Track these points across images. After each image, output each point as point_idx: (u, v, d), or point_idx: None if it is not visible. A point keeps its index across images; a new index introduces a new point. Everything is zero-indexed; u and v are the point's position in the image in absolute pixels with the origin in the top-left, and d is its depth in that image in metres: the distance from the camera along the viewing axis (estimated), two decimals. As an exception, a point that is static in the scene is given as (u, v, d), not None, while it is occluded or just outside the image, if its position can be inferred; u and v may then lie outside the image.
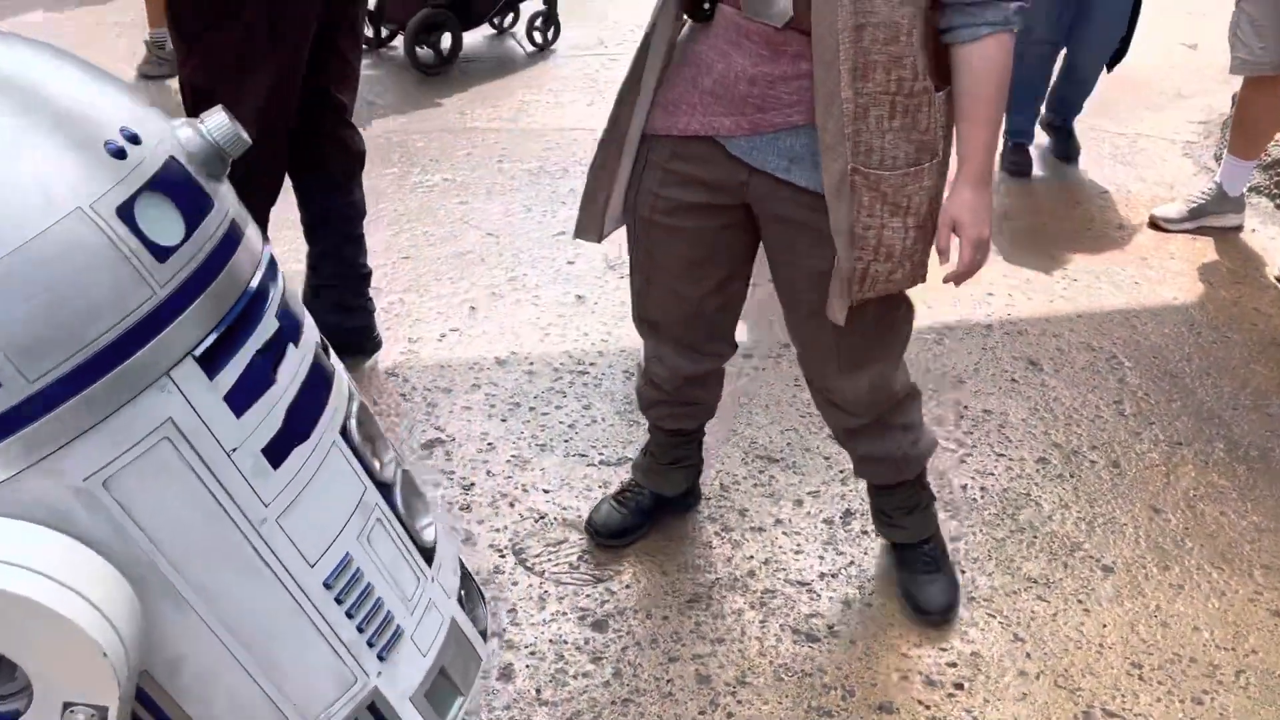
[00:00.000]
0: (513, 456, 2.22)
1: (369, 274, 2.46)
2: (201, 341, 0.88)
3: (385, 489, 1.09)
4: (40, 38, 0.93)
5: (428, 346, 2.58)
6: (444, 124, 3.76)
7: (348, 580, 1.02)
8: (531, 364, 2.52)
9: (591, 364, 2.51)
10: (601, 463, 2.21)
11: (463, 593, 1.19)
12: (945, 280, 1.53)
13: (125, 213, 0.83)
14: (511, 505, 2.09)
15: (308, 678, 0.99)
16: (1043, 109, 3.54)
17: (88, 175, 0.82)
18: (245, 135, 0.96)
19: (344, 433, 1.04)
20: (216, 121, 0.93)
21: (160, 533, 0.88)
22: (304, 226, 2.36)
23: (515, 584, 1.91)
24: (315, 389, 1.01)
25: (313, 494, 0.99)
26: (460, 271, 2.88)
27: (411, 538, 1.11)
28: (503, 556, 1.96)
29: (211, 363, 0.90)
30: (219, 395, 0.90)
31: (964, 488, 2.18)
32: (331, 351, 1.11)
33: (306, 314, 1.07)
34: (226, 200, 0.95)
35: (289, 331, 0.99)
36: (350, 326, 2.46)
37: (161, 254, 0.85)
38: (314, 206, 2.32)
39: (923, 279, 1.54)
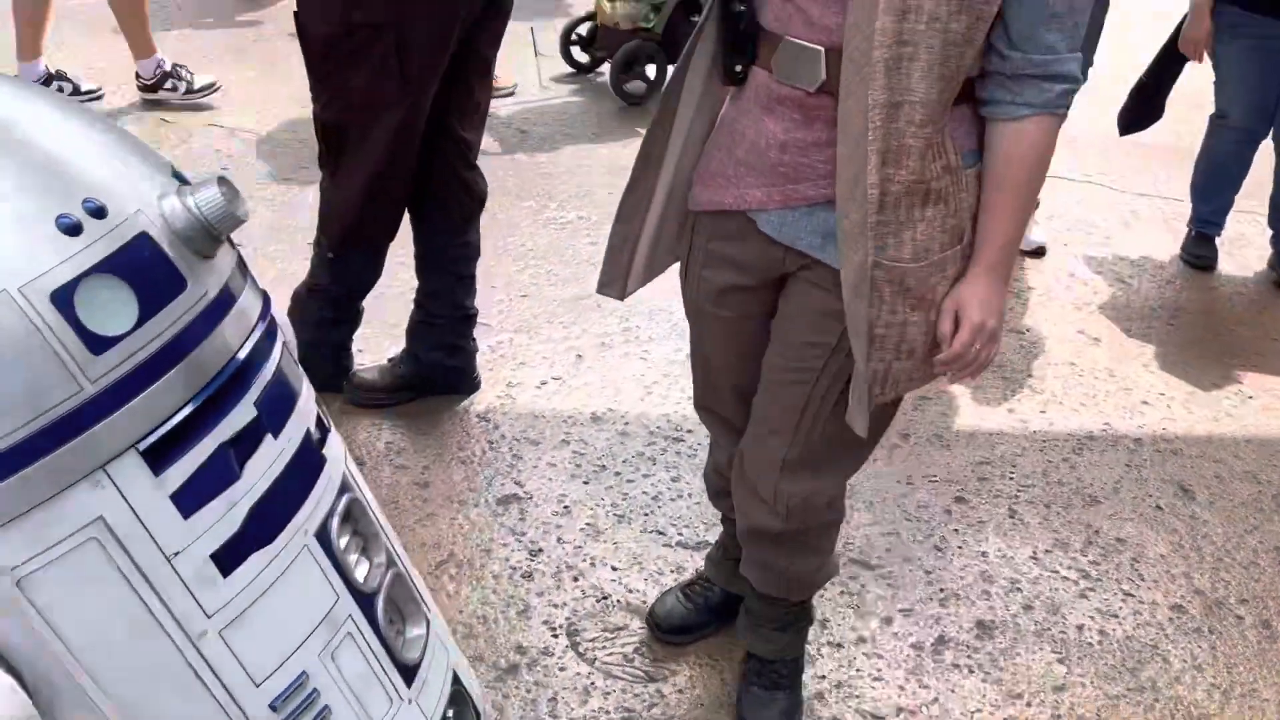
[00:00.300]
0: (588, 524, 2.11)
1: (474, 315, 2.42)
2: (149, 434, 0.81)
3: (364, 599, 0.99)
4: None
5: (525, 393, 2.50)
6: (596, 160, 3.71)
7: (300, 702, 0.92)
8: (627, 424, 2.40)
9: (689, 431, 2.38)
10: (679, 544, 2.07)
11: (449, 714, 1.08)
12: (937, 371, 1.36)
13: (62, 298, 0.76)
14: (575, 579, 1.97)
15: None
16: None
17: (28, 253, 0.75)
18: (240, 211, 0.88)
19: (322, 534, 0.95)
20: (207, 196, 0.86)
21: (79, 641, 0.80)
22: (416, 260, 2.33)
23: (562, 669, 1.79)
24: (292, 485, 0.92)
25: (269, 604, 0.89)
26: (575, 316, 2.80)
27: (390, 653, 1.01)
28: (555, 636, 1.85)
29: (159, 457, 0.82)
30: (164, 493, 0.82)
31: (1080, 628, 1.93)
32: (332, 434, 1.02)
33: (304, 388, 0.99)
34: (209, 277, 0.87)
35: (270, 420, 0.91)
36: (450, 365, 2.41)
37: (99, 345, 0.77)
38: (429, 245, 2.28)
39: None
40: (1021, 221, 1.28)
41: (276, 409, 0.93)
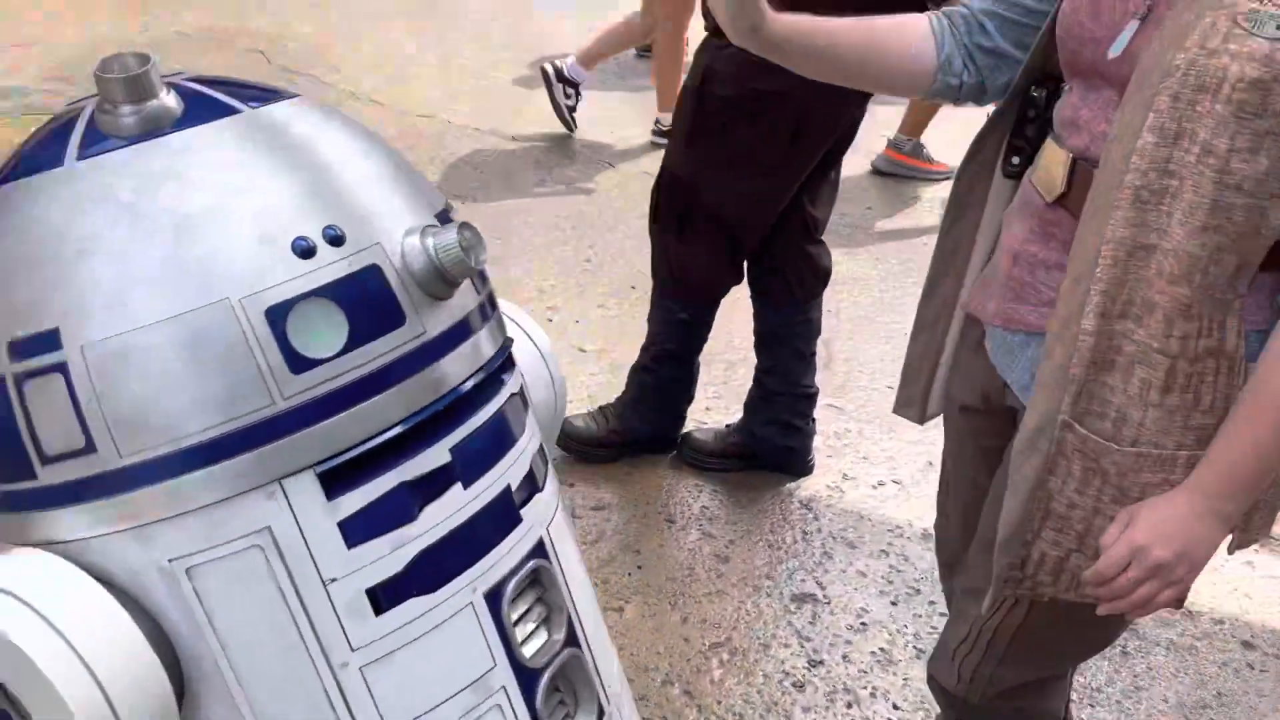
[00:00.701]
0: (881, 649, 1.92)
1: (814, 395, 2.32)
2: (330, 459, 0.83)
3: (526, 673, 0.94)
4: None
5: (858, 490, 2.35)
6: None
7: (430, 760, 0.90)
8: (958, 551, 2.17)
9: (1028, 577, 2.09)
10: (975, 700, 1.82)
11: (597, 819, 1.00)
12: (1085, 590, 1.04)
13: (276, 315, 0.80)
14: (849, 706, 1.80)
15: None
16: None
17: (256, 268, 0.80)
18: (476, 259, 0.88)
19: (493, 595, 0.92)
20: (444, 240, 0.87)
21: (230, 639, 0.83)
22: (755, 335, 2.29)
23: (799, 800, 1.63)
24: (471, 539, 0.90)
25: (417, 653, 0.88)
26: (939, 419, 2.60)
27: (542, 738, 0.96)
28: (803, 761, 1.70)
29: (335, 482, 0.83)
30: (334, 519, 0.83)
31: None
32: (542, 495, 0.99)
33: (523, 443, 0.97)
34: (433, 317, 0.88)
35: (464, 468, 0.90)
36: (783, 445, 2.34)
37: (300, 365, 0.80)
38: (768, 319, 2.24)
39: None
40: (1268, 449, 0.93)
41: (475, 459, 0.91)
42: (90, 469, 0.79)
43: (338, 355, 0.82)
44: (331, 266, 0.82)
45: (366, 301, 0.84)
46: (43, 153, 0.84)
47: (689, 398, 2.40)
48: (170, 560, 0.81)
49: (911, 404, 1.33)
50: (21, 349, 0.78)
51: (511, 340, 1.02)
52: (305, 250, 0.81)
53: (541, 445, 1.05)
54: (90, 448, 0.78)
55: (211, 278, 0.78)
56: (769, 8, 1.12)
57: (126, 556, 0.81)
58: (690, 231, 2.12)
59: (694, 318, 2.25)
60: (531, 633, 0.98)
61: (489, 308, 0.98)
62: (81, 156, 0.82)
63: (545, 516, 1.00)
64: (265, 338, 0.79)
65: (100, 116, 0.83)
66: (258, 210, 0.81)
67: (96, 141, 0.83)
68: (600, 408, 2.44)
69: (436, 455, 0.88)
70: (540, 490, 1.00)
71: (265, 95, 0.92)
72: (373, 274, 0.84)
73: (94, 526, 0.81)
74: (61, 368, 0.77)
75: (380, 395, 0.84)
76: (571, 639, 1.01)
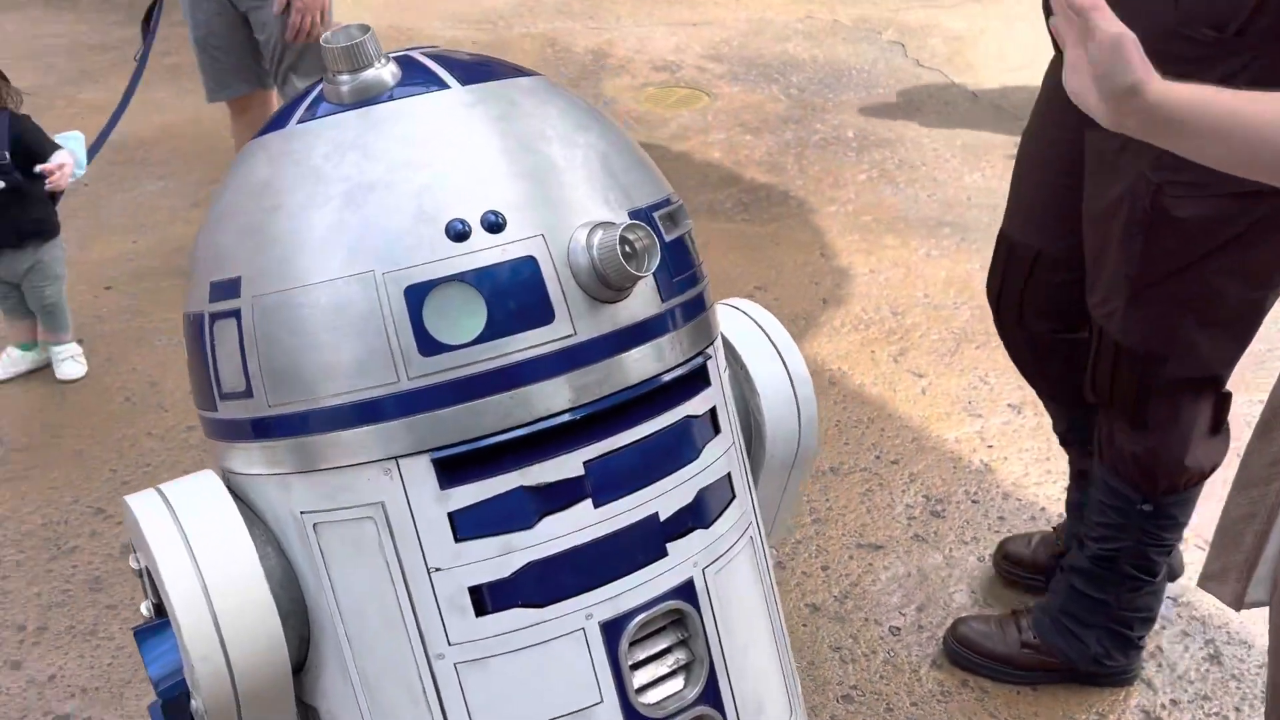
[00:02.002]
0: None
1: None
2: (448, 447, 0.80)
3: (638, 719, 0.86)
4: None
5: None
6: None
7: (513, 779, 0.85)
8: None
9: None
10: None
11: None
12: None
13: (415, 295, 0.78)
14: None
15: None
16: None
17: (405, 245, 0.79)
18: (640, 266, 0.80)
19: (612, 627, 0.84)
20: (603, 240, 0.80)
21: (345, 601, 0.85)
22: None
23: None
24: (595, 563, 0.83)
25: (516, 665, 0.83)
26: None
27: (644, 794, 0.87)
28: None
29: (450, 471, 0.81)
30: (444, 508, 0.81)
31: None
32: (703, 535, 0.89)
33: (694, 475, 0.88)
34: (590, 320, 0.81)
35: (597, 486, 0.83)
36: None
37: (431, 348, 0.78)
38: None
39: None
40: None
41: (614, 479, 0.84)
42: (247, 412, 0.84)
43: (470, 344, 0.79)
44: (483, 253, 0.80)
45: (513, 293, 0.80)
46: (282, 114, 0.91)
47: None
48: (302, 513, 0.84)
49: (1224, 578, 1.01)
50: (216, 291, 0.85)
51: (704, 359, 0.92)
52: (459, 233, 0.79)
53: (728, 476, 0.94)
54: (249, 392, 0.83)
55: (362, 249, 0.79)
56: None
57: (273, 500, 0.86)
58: (1156, 413, 1.60)
59: (1160, 509, 1.69)
60: (660, 679, 0.89)
61: (678, 319, 0.89)
62: (301, 120, 0.87)
63: (706, 558, 0.90)
64: (400, 315, 0.79)
65: (325, 85, 0.88)
66: (422, 187, 0.81)
67: (317, 106, 0.88)
68: (1014, 613, 1.93)
69: (567, 466, 0.83)
70: (706, 527, 0.91)
71: (494, 73, 0.91)
72: (526, 266, 0.81)
73: (250, 465, 0.86)
74: (236, 314, 0.83)
75: (508, 393, 0.80)
76: (711, 698, 0.90)
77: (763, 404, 1.07)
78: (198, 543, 0.83)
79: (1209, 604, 2.03)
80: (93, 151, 2.89)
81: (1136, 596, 1.76)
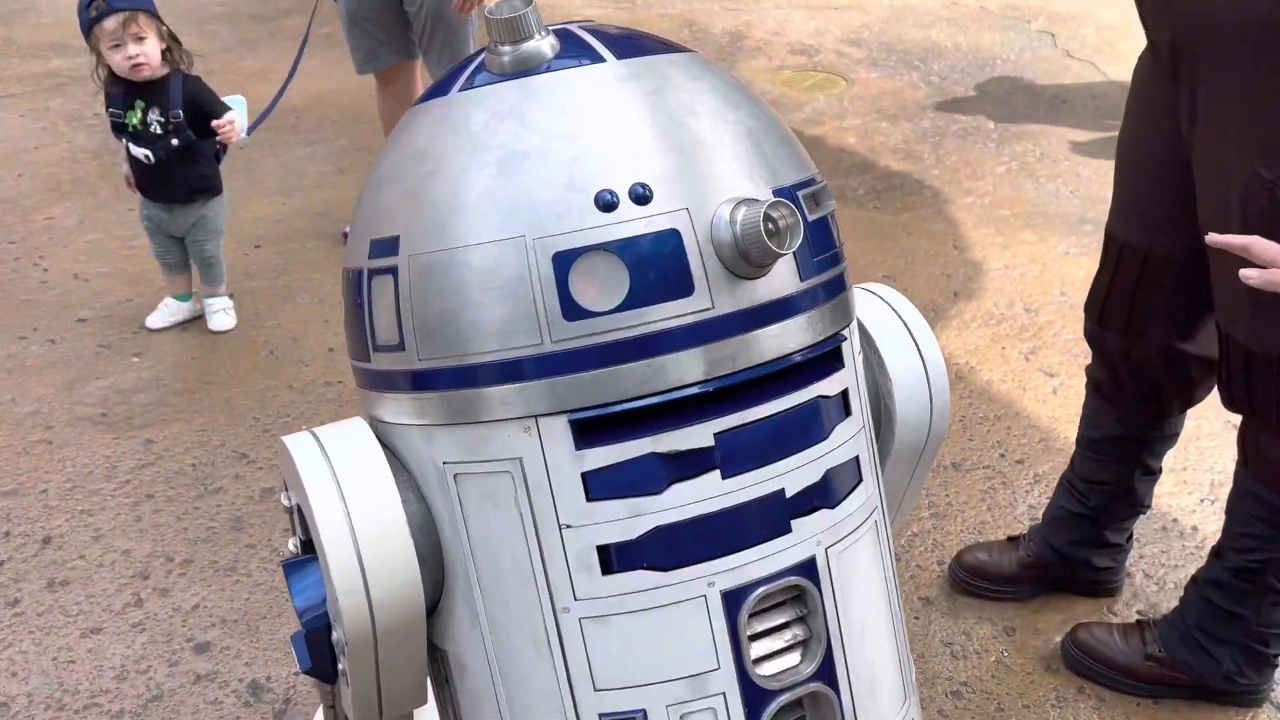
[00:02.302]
0: None
1: (1142, 511, 1.90)
2: (585, 409, 0.83)
3: (755, 691, 0.88)
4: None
5: None
6: None
7: (628, 735, 0.88)
8: None
9: None
10: None
11: None
12: None
13: (562, 261, 0.81)
14: None
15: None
16: None
17: (555, 213, 0.81)
18: (782, 244, 0.81)
19: (733, 597, 0.86)
20: (745, 216, 0.81)
21: (479, 550, 0.89)
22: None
23: None
24: (720, 531, 0.85)
25: (637, 625, 0.86)
26: None
27: (757, 762, 0.88)
28: None
29: (586, 433, 0.83)
30: (578, 468, 0.84)
31: None
32: (826, 515, 0.90)
33: (823, 455, 0.89)
34: (729, 294, 0.83)
35: (726, 458, 0.85)
36: (1086, 560, 1.91)
37: (574, 313, 0.81)
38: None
39: None
40: None
41: (743, 452, 0.86)
42: (399, 364, 0.89)
43: (612, 311, 0.82)
44: (629, 224, 0.82)
45: (656, 265, 0.82)
46: (444, 82, 0.95)
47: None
48: (444, 463, 0.88)
49: None
50: (375, 248, 0.90)
51: (839, 340, 0.93)
52: (607, 204, 0.82)
53: (856, 459, 0.95)
54: (401, 346, 0.88)
55: (515, 215, 0.83)
56: None
57: (417, 449, 0.91)
58: None
59: None
60: (777, 652, 0.90)
61: (816, 299, 0.90)
62: (462, 88, 0.91)
63: (830, 537, 0.91)
64: (547, 280, 0.82)
65: (487, 55, 0.91)
66: (574, 157, 0.83)
67: (478, 75, 0.91)
68: (1139, 624, 1.87)
69: (698, 436, 0.85)
70: (831, 507, 0.91)
71: (648, 48, 0.93)
72: (670, 238, 0.82)
73: (397, 415, 0.91)
74: (394, 271, 0.87)
75: (645, 360, 0.82)
76: (826, 675, 0.91)
77: (894, 390, 1.07)
78: (347, 484, 0.88)
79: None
80: (257, 123, 3.03)
81: (1276, 611, 1.69)
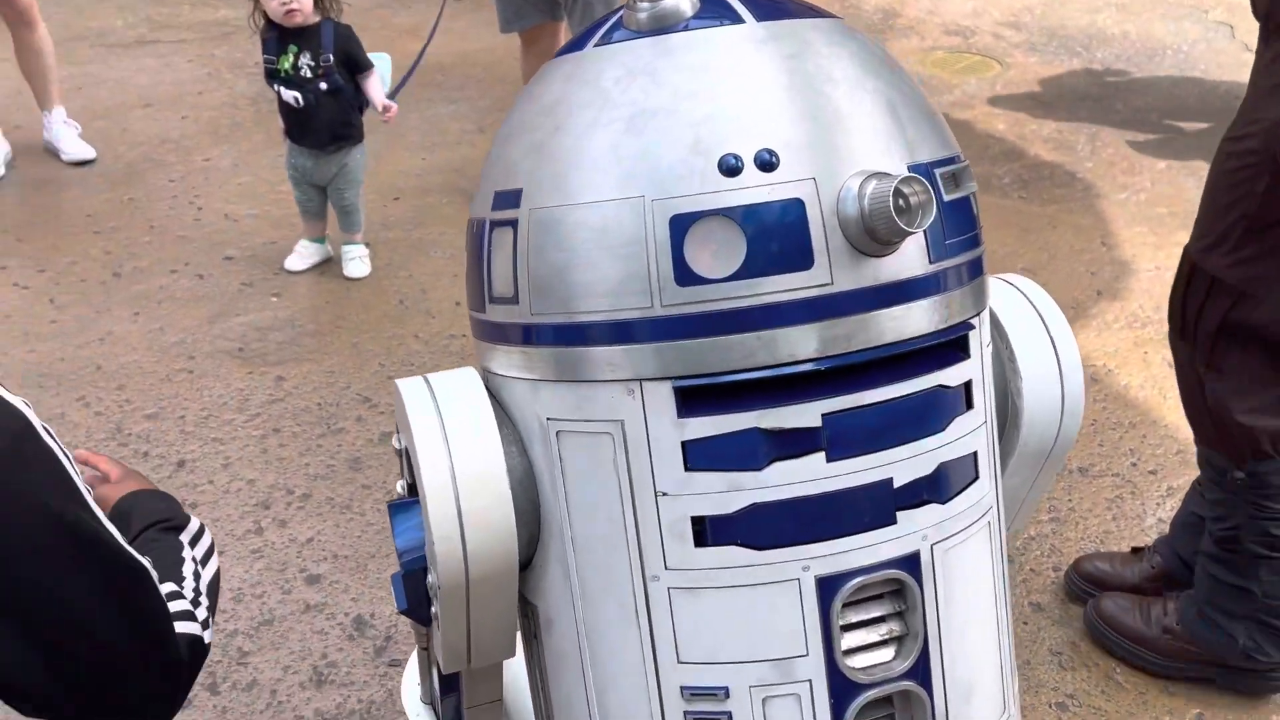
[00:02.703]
0: None
1: None
2: (690, 377, 0.81)
3: (844, 683, 0.85)
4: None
5: None
6: None
7: (710, 711, 0.86)
8: None
9: None
10: None
11: None
12: None
13: (679, 225, 0.79)
14: None
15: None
16: None
17: (677, 174, 0.79)
18: (911, 222, 0.77)
19: (828, 584, 0.83)
20: (874, 190, 0.77)
21: (575, 508, 0.88)
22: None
23: None
24: (820, 516, 0.82)
25: (726, 601, 0.84)
26: None
27: (841, 754, 0.86)
28: None
29: (690, 401, 0.81)
30: (679, 435, 0.82)
31: None
32: (932, 511, 0.86)
33: (938, 447, 0.85)
34: (851, 271, 0.79)
35: (834, 441, 0.82)
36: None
37: (686, 278, 0.79)
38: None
39: None
40: None
41: (851, 437, 0.83)
42: (511, 317, 0.88)
43: (725, 279, 0.80)
44: (751, 190, 0.79)
45: (774, 235, 0.79)
46: (580, 38, 0.93)
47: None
48: (548, 418, 0.88)
49: None
50: (498, 200, 0.90)
51: (967, 329, 0.88)
52: (730, 168, 0.79)
53: (974, 455, 0.91)
54: (515, 299, 0.88)
55: (636, 174, 0.81)
56: None
57: (523, 402, 0.90)
58: (1230, 357, 1.52)
59: (1257, 478, 1.59)
60: (871, 645, 0.87)
61: (945, 284, 0.86)
62: (598, 44, 0.89)
63: (937, 533, 0.87)
64: (663, 243, 0.80)
65: (625, 11, 0.90)
66: (702, 118, 0.81)
67: (614, 31, 0.90)
68: (1162, 597, 1.85)
69: (805, 415, 0.82)
70: (943, 502, 0.87)
71: (791, 11, 0.90)
72: (793, 208, 0.80)
73: (507, 368, 0.91)
74: (514, 224, 0.87)
75: (755, 333, 0.80)
76: (920, 675, 0.88)
77: (1024, 387, 1.02)
78: (453, 431, 0.88)
79: None
80: (399, 86, 3.10)
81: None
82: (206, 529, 1.08)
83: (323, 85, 2.86)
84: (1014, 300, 1.05)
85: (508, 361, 0.91)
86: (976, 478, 0.91)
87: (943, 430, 0.87)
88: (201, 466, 2.34)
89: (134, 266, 3.24)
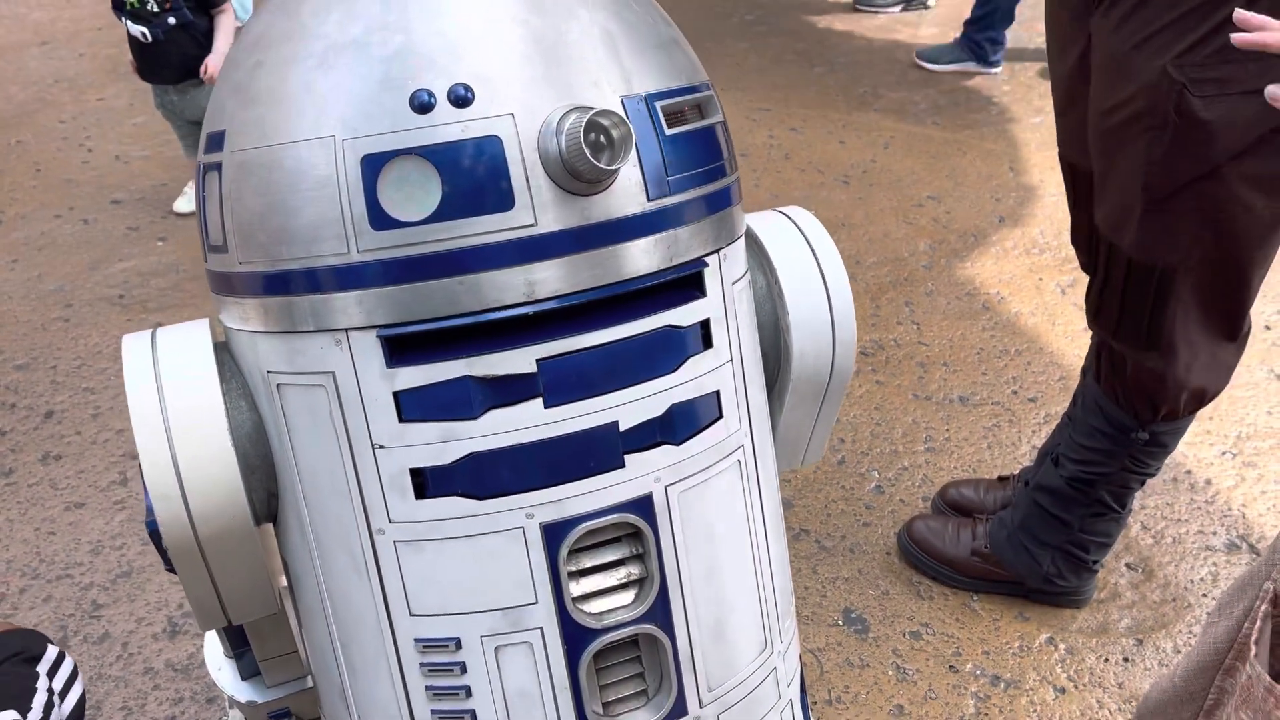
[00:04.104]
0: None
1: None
2: (395, 325, 0.78)
3: (576, 629, 0.84)
4: None
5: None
6: None
7: (443, 663, 0.85)
8: None
9: None
10: None
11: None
12: None
13: (372, 165, 0.75)
14: None
15: (372, 704, 0.89)
16: None
17: (368, 111, 0.75)
18: (605, 159, 0.74)
19: (553, 530, 0.82)
20: (572, 124, 0.74)
21: (303, 463, 0.85)
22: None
23: None
24: (540, 463, 0.80)
25: (450, 552, 0.82)
26: None
27: (578, 699, 0.85)
28: None
29: (396, 351, 0.79)
30: (389, 386, 0.79)
31: None
32: (666, 452, 0.84)
33: (670, 387, 0.83)
34: (554, 212, 0.76)
35: (550, 387, 0.79)
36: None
37: (381, 222, 0.75)
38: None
39: None
40: None
41: (569, 381, 0.80)
42: (222, 266, 0.85)
43: (422, 222, 0.76)
44: (444, 128, 0.76)
45: (471, 174, 0.76)
46: (297, -34, 0.88)
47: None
48: (268, 372, 0.85)
49: None
50: (208, 143, 0.85)
51: (699, 267, 0.86)
52: (422, 105, 0.75)
53: (717, 394, 0.89)
54: (224, 248, 0.84)
55: (327, 112, 0.77)
56: None
57: (247, 357, 0.87)
58: (1170, 333, 1.45)
59: (1154, 437, 1.59)
60: (609, 590, 0.86)
61: (668, 221, 0.83)
62: (307, -28, 0.85)
63: (672, 475, 0.86)
64: (355, 185, 0.76)
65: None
66: (394, 52, 0.77)
67: (323, -40, 0.84)
68: (972, 519, 1.91)
69: (517, 361, 0.79)
70: (677, 443, 0.86)
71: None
72: (490, 146, 0.76)
73: (229, 320, 0.88)
74: (218, 167, 0.83)
75: (457, 278, 0.77)
76: (659, 618, 0.87)
77: (791, 324, 1.00)
78: (169, 387, 0.85)
79: None
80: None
81: (1099, 522, 1.71)
82: (68, 656, 1.09)
83: (171, 20, 2.75)
84: (785, 233, 1.02)
85: (229, 313, 0.87)
86: (720, 417, 0.89)
87: (674, 371, 0.85)
88: (70, 417, 2.29)
89: (16, 212, 3.14)
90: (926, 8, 4.89)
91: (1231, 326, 1.44)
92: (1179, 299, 1.41)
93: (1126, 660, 1.73)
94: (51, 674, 1.05)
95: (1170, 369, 1.47)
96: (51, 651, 1.07)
